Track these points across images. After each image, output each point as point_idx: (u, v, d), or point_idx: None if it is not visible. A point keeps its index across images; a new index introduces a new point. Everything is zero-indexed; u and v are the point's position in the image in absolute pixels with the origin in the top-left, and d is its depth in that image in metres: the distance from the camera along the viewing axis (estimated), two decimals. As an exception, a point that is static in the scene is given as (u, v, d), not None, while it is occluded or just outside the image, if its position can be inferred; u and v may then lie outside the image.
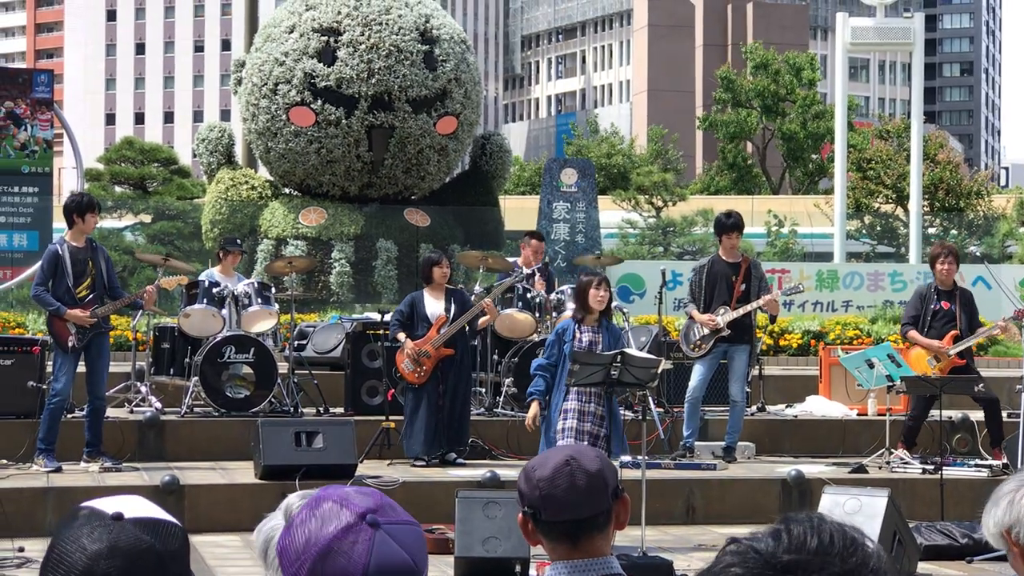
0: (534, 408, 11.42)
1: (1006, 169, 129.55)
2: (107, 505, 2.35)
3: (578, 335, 11.36)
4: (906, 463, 13.71)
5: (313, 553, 2.34)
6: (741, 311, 13.87)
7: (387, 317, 14.98)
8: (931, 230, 38.52)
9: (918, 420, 14.13)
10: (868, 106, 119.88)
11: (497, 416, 14.98)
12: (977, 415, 14.95)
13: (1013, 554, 3.53)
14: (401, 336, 13.54)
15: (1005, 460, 13.62)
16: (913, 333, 14.18)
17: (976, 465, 13.82)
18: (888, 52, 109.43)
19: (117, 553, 2.25)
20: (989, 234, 36.11)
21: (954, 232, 38.49)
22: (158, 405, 14.83)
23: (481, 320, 14.16)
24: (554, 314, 15.50)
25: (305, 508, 2.40)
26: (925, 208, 34.66)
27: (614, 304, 12.33)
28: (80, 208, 13.07)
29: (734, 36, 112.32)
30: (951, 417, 14.93)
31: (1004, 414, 14.28)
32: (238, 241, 17.28)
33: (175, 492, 11.97)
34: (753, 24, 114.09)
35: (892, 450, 13.92)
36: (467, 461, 13.62)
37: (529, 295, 15.25)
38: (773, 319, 16.36)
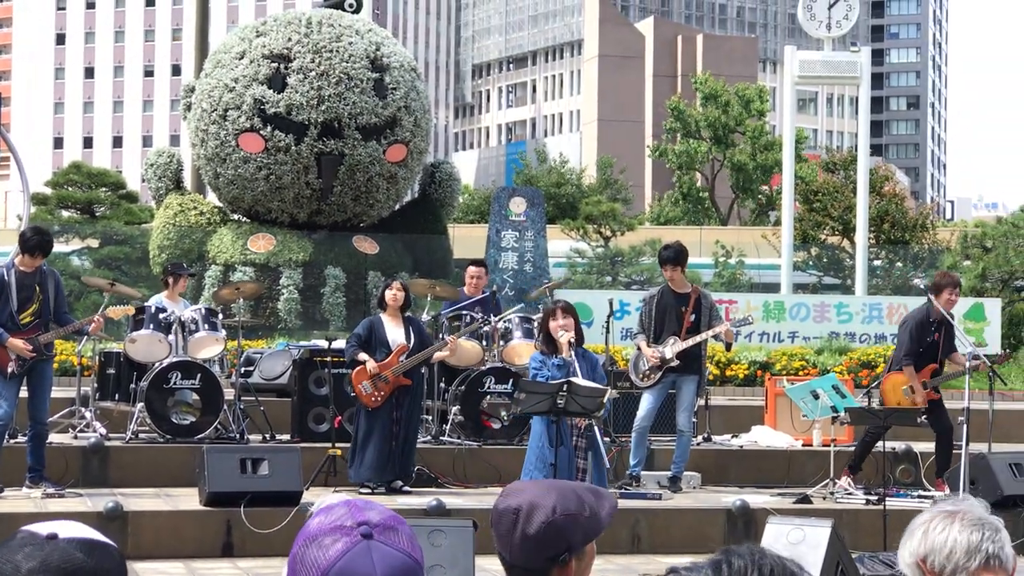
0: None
1: (951, 202, 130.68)
2: (43, 528, 2.38)
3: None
4: (850, 493, 13.78)
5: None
6: (691, 341, 13.92)
7: (335, 344, 14.96)
8: (877, 262, 38.76)
9: (868, 447, 14.17)
10: (816, 138, 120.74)
11: (443, 444, 14.97)
12: (920, 446, 15.06)
13: None
14: (362, 356, 13.47)
15: (947, 491, 13.71)
16: (910, 369, 14.05)
17: (919, 496, 13.91)
18: (836, 85, 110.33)
19: (50, 569, 2.27)
20: (933, 267, 36.35)
21: (899, 264, 38.75)
22: (102, 431, 14.74)
23: (438, 355, 14.16)
24: (501, 342, 15.53)
25: (323, 510, 2.50)
26: (871, 240, 34.87)
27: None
28: (23, 246, 12.98)
29: (684, 67, 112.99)
30: (895, 448, 15.01)
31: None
32: (185, 266, 17.22)
33: (118, 518, 11.89)
34: (703, 55, 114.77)
35: (836, 480, 13.98)
36: (413, 489, 13.59)
37: (480, 329, 15.26)
38: (728, 347, 16.42)
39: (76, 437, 14.72)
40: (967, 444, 13.04)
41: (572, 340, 11.60)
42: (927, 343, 14.14)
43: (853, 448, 15.51)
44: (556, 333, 11.49)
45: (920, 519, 3.70)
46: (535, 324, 14.49)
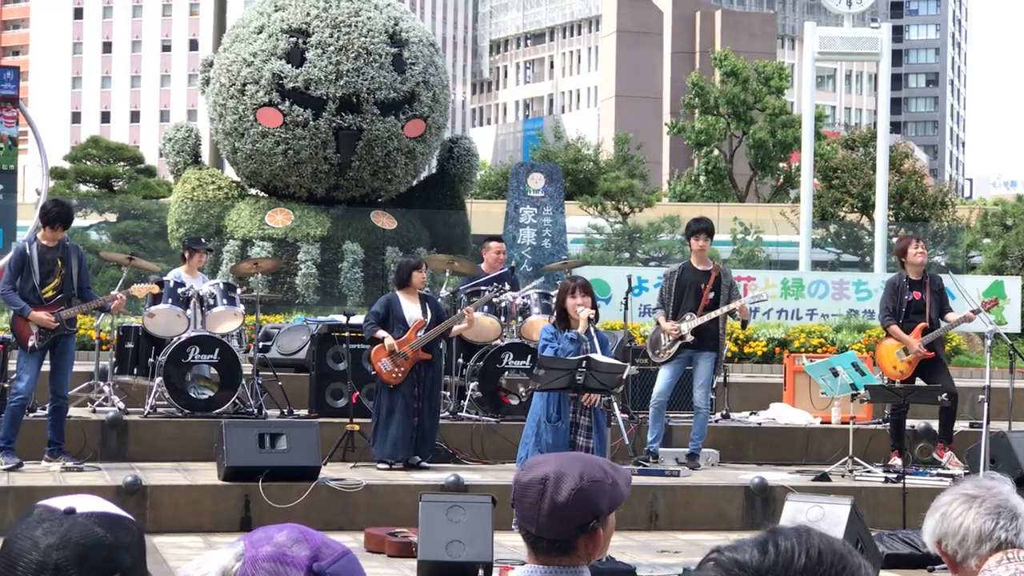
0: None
1: (970, 180, 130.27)
2: (61, 503, 2.37)
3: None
4: (868, 472, 13.77)
5: None
6: (706, 318, 13.89)
7: (353, 319, 14.95)
8: (895, 240, 38.67)
9: (900, 426, 14.20)
10: (835, 115, 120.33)
11: (462, 420, 14.97)
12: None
13: (946, 563, 3.62)
14: (381, 333, 13.47)
15: (946, 458, 13.90)
16: (895, 327, 14.20)
17: (939, 474, 13.88)
18: (855, 62, 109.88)
19: (69, 544, 2.27)
20: (953, 244, 36.26)
21: (918, 242, 38.70)
22: (121, 405, 14.76)
23: (456, 328, 14.14)
24: (520, 318, 15.50)
25: (243, 573, 2.35)
26: (890, 218, 34.77)
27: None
28: (44, 219, 13.00)
29: (702, 44, 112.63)
30: (913, 426, 14.98)
31: (967, 424, 14.34)
32: (203, 241, 17.20)
33: (137, 492, 11.91)
34: (721, 32, 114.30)
35: (857, 460, 13.94)
36: (431, 465, 13.59)
37: (495, 299, 15.24)
38: (744, 325, 16.39)
39: (95, 411, 14.74)
40: (988, 422, 13.00)
41: (592, 316, 11.57)
42: (906, 301, 14.20)
43: (873, 425, 15.50)
44: (575, 310, 11.45)
45: (943, 499, 3.69)
46: (553, 300, 14.47)
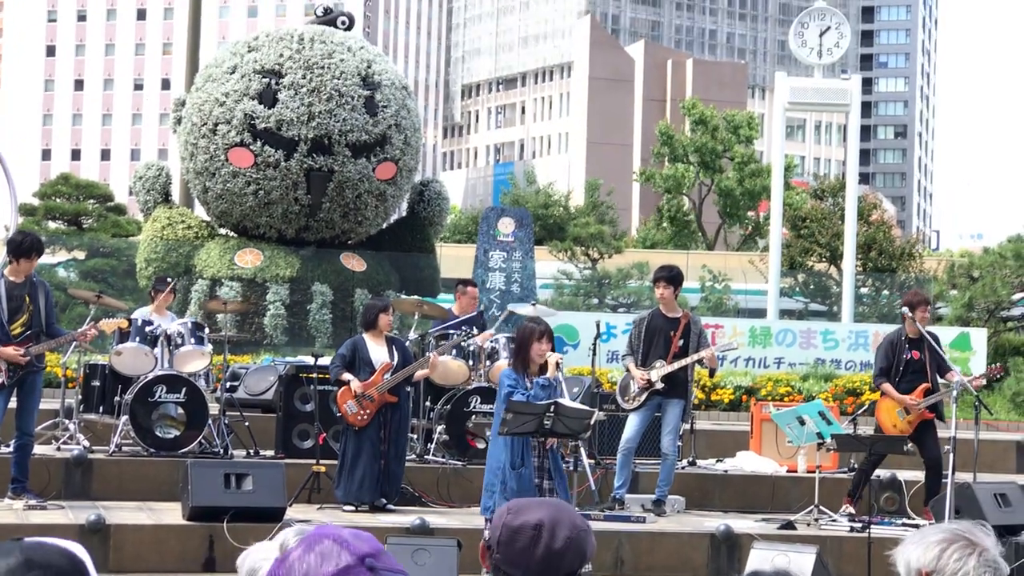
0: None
1: (936, 232, 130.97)
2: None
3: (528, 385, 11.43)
4: (834, 520, 13.78)
5: None
6: (676, 365, 13.91)
7: (321, 361, 14.93)
8: (863, 289, 38.81)
9: (866, 475, 14.19)
10: (804, 165, 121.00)
11: (428, 463, 14.93)
12: (905, 475, 15.06)
13: None
14: (346, 376, 13.47)
15: (932, 521, 13.71)
16: (887, 386, 14.20)
17: (904, 524, 13.91)
18: (824, 113, 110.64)
19: (35, 564, 2.30)
20: (920, 296, 36.41)
21: (885, 292, 38.79)
22: (86, 443, 14.68)
23: (419, 373, 14.14)
24: (487, 362, 15.51)
25: (303, 544, 2.40)
26: (858, 268, 34.92)
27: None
28: (17, 250, 12.93)
29: (673, 92, 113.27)
30: (879, 476, 15.02)
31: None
32: (168, 280, 17.16)
33: (100, 531, 11.84)
34: (692, 80, 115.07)
35: (820, 507, 13.96)
36: (397, 507, 13.55)
37: (463, 343, 15.24)
38: (712, 373, 16.43)
39: (59, 449, 14.65)
40: (953, 473, 13.05)
41: (560, 361, 11.58)
42: (904, 360, 14.20)
43: (839, 474, 15.54)
44: (541, 356, 11.44)
45: (939, 534, 3.69)
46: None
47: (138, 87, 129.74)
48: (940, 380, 14.35)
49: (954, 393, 13.71)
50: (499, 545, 3.21)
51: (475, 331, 15.49)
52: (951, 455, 13.03)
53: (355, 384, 13.37)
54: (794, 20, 26.81)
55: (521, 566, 3.17)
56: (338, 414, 13.73)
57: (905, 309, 14.44)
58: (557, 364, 11.55)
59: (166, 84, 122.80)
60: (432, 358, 14.05)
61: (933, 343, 14.37)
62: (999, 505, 13.41)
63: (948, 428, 13.43)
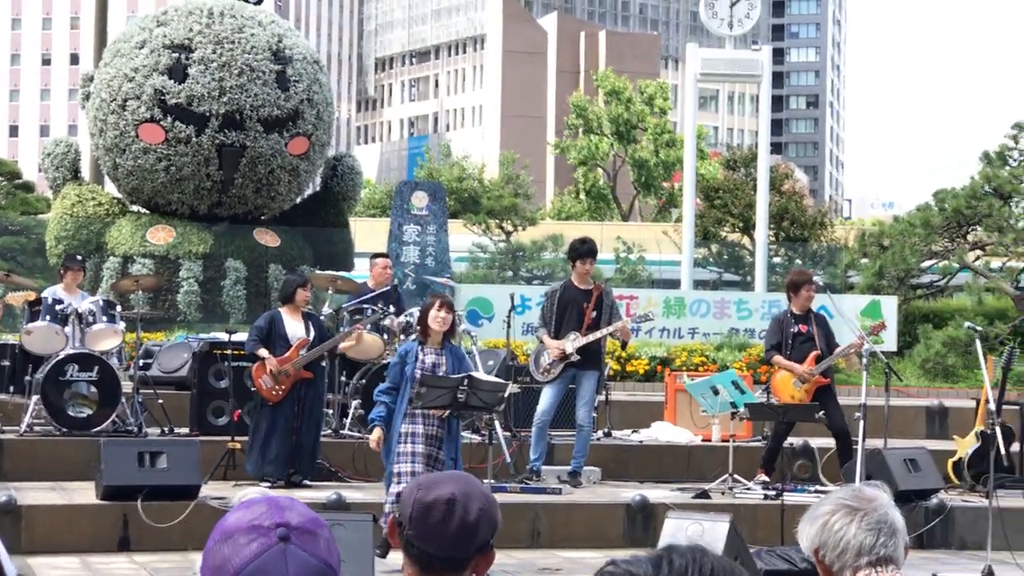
0: (377, 433, 11.33)
1: (848, 201, 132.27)
2: None
3: (421, 357, 11.33)
4: (748, 489, 13.91)
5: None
6: (591, 337, 13.96)
7: (235, 337, 14.85)
8: (776, 259, 39.12)
9: (778, 442, 14.36)
10: (717, 136, 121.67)
11: (343, 438, 14.92)
12: (817, 442, 15.22)
13: (820, 571, 3.68)
14: (263, 351, 13.40)
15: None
16: (778, 357, 14.44)
17: (816, 491, 14.06)
18: (736, 83, 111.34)
19: None
20: (832, 264, 36.77)
21: (798, 262, 39.12)
22: (-3, 423, 14.53)
23: (342, 345, 14.11)
24: (402, 337, 15.49)
25: (243, 504, 2.41)
26: (771, 237, 35.20)
27: (461, 327, 12.26)
28: None
29: (586, 63, 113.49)
30: (792, 444, 15.18)
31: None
32: (78, 258, 16.97)
33: (12, 512, 11.72)
34: (605, 52, 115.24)
35: (734, 476, 14.09)
36: (313, 483, 13.53)
37: (380, 321, 15.20)
38: (624, 345, 16.51)
39: (-31, 430, 14.49)
40: (863, 439, 13.21)
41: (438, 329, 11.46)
42: (792, 334, 14.42)
43: (752, 443, 15.68)
44: (439, 324, 11.37)
45: (823, 507, 3.73)
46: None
47: (46, 62, 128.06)
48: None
49: (864, 361, 13.88)
50: (411, 521, 3.22)
51: (391, 307, 15.47)
52: (862, 421, 13.19)
53: (271, 362, 13.32)
54: (705, -9, 26.88)
55: (435, 541, 3.18)
56: (252, 388, 13.67)
57: (789, 293, 14.77)
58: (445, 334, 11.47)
59: (75, 59, 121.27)
60: (356, 330, 14.02)
61: (823, 320, 14.68)
62: (909, 470, 13.61)
63: (859, 395, 13.60)
